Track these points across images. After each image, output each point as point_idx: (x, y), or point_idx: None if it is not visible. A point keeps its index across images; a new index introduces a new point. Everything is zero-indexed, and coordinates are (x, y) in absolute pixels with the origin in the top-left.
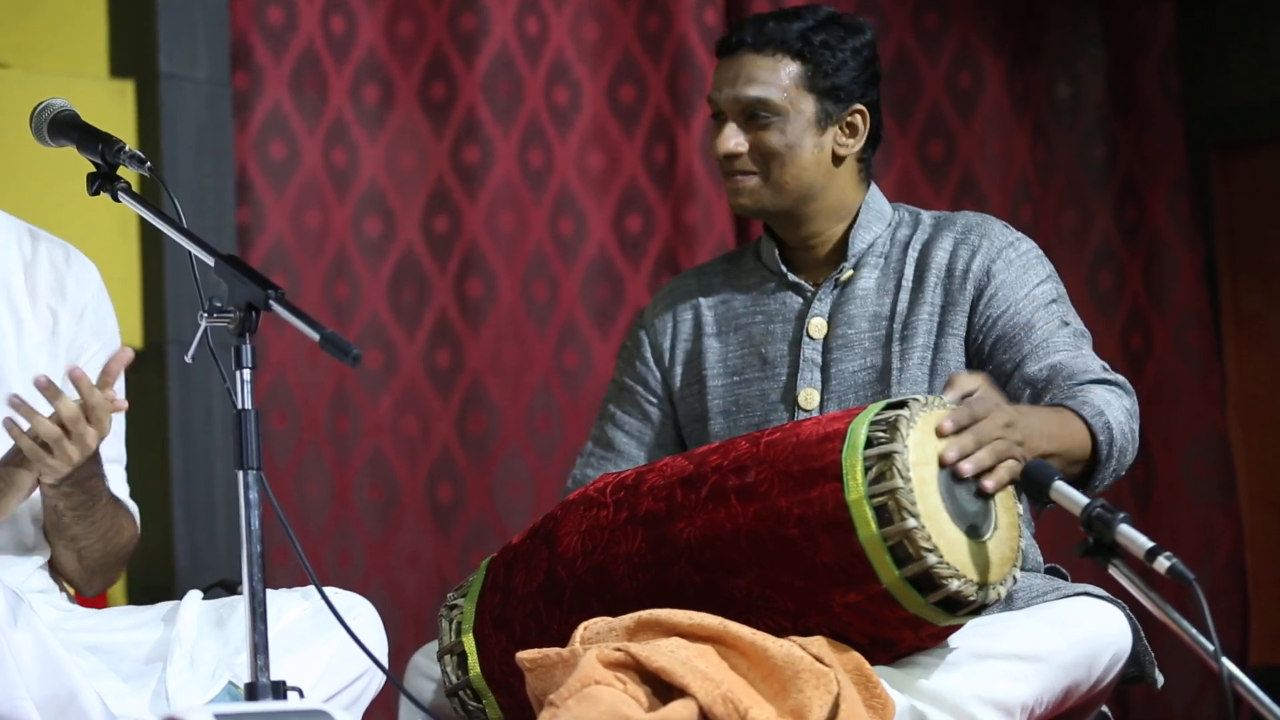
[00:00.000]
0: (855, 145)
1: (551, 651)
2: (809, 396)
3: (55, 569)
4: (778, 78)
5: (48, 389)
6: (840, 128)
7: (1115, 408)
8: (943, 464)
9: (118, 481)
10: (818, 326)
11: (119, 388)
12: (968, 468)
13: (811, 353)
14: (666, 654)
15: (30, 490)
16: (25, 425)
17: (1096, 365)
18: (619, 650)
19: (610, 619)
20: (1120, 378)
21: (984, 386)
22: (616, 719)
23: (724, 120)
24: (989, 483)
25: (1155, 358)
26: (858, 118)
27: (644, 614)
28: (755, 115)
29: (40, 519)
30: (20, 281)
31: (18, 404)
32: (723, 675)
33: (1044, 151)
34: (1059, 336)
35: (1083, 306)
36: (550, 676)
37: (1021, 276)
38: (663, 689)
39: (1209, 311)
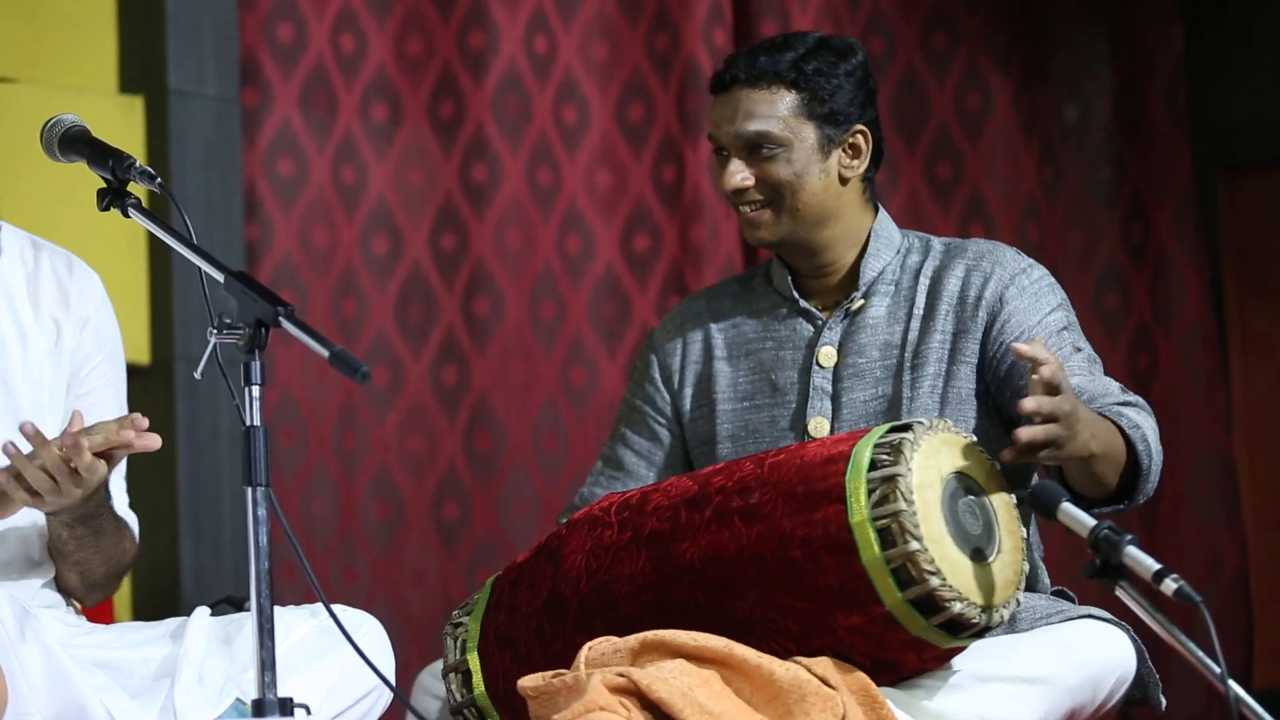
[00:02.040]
0: (860, 166)
1: (554, 679)
2: (819, 425)
3: (59, 584)
4: (776, 109)
5: (34, 437)
6: (843, 150)
7: (1147, 427)
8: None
9: (118, 493)
10: (828, 355)
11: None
12: (1024, 434)
13: (821, 381)
14: (667, 684)
15: (16, 506)
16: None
17: (1115, 388)
18: (622, 676)
19: (615, 639)
20: (1138, 398)
21: (1060, 370)
22: None
23: (727, 156)
24: (1024, 437)
25: (1161, 377)
26: (859, 138)
27: (649, 635)
28: (759, 148)
29: (46, 537)
30: (24, 292)
31: (10, 451)
32: (723, 706)
33: (1051, 172)
34: (1073, 362)
35: (1089, 326)
36: (554, 703)
37: (1034, 304)
38: (665, 716)
39: (1214, 331)
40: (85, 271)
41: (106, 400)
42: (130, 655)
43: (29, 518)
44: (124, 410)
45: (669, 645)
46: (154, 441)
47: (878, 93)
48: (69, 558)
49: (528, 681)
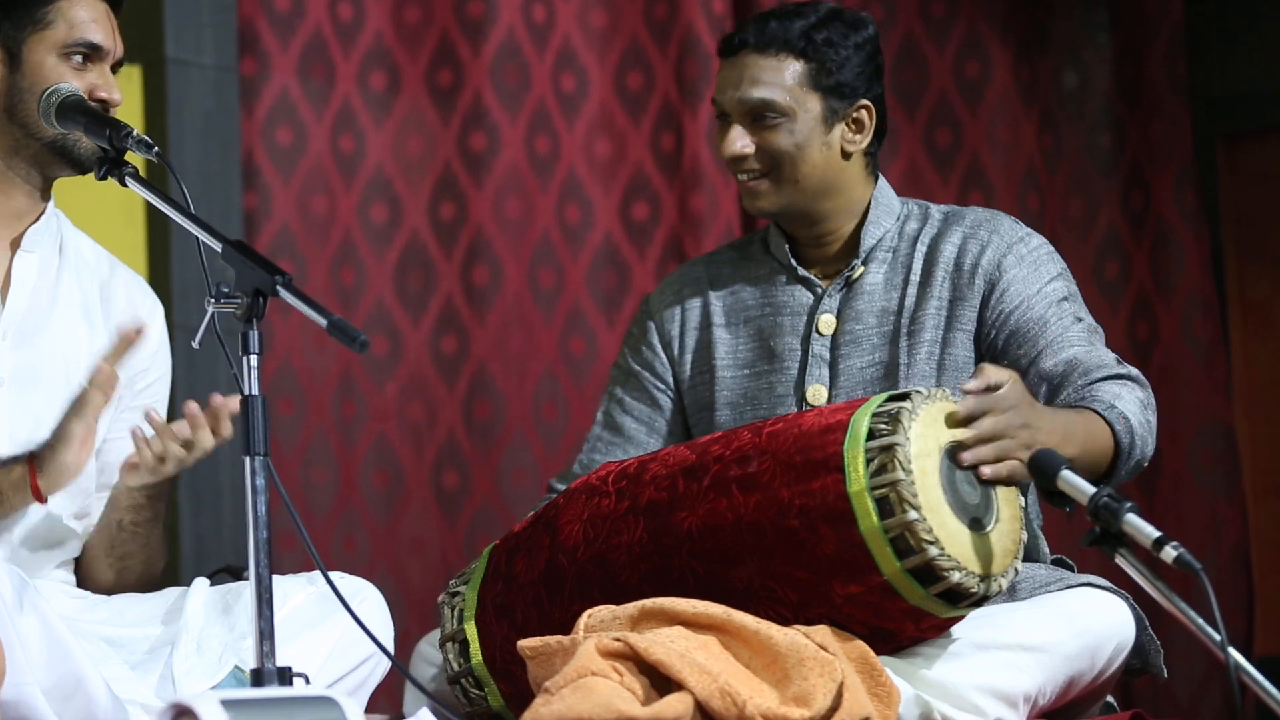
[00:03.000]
0: (863, 141)
1: (552, 640)
2: (817, 392)
3: (78, 571)
4: (782, 78)
5: (158, 425)
6: (847, 124)
7: (1128, 400)
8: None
9: None
10: (827, 323)
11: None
12: (966, 458)
13: (820, 349)
14: (664, 646)
15: (85, 445)
16: (150, 434)
17: (1110, 359)
18: (618, 640)
19: (614, 607)
20: (1134, 371)
21: (1013, 383)
22: (610, 711)
23: (729, 121)
24: (986, 471)
25: (1161, 346)
26: (864, 113)
27: (648, 602)
28: (762, 116)
29: (82, 530)
30: (96, 299)
31: (154, 420)
32: (721, 667)
33: (1051, 140)
34: (1072, 332)
35: (1089, 295)
36: (550, 665)
37: (1034, 272)
38: (661, 680)
39: (1215, 300)
40: (154, 297)
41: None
42: (134, 633)
43: (63, 522)
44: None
45: (668, 613)
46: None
47: (884, 70)
48: (116, 549)
49: (527, 642)
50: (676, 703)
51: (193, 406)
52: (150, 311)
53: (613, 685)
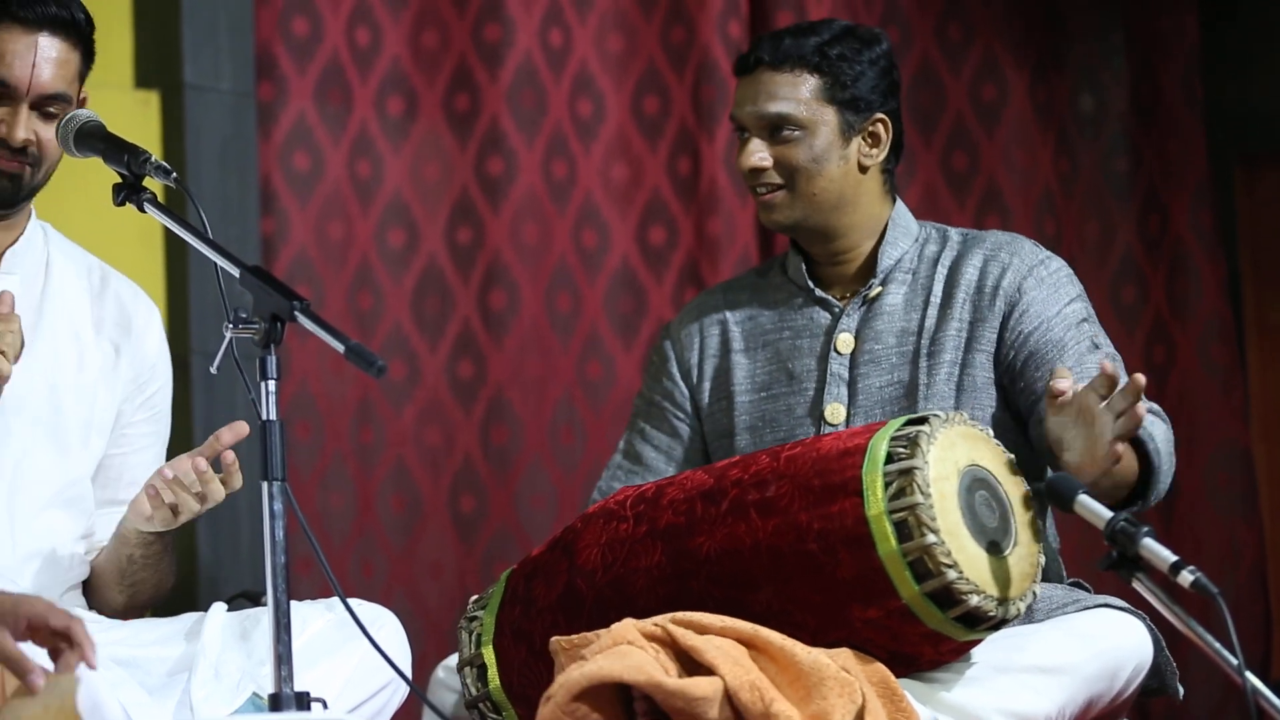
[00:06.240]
0: (879, 155)
1: (590, 634)
2: (835, 411)
3: (88, 593)
4: (798, 92)
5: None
6: (863, 138)
7: (1156, 432)
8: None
9: None
10: (845, 342)
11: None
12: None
13: (838, 368)
14: (700, 636)
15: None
16: (169, 496)
17: None
18: (656, 624)
19: (640, 621)
20: (1153, 405)
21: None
22: (641, 674)
23: (748, 137)
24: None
25: (1178, 369)
26: (879, 127)
27: (677, 615)
28: (779, 130)
29: (85, 550)
30: (86, 313)
31: (167, 477)
32: (749, 664)
33: (1067, 163)
34: (1090, 360)
35: (1105, 318)
36: (578, 656)
37: (1053, 295)
38: (692, 666)
39: (1232, 323)
40: (149, 303)
41: (160, 427)
42: (148, 653)
43: (69, 545)
44: (168, 430)
45: (696, 625)
46: (242, 429)
47: (901, 85)
48: (127, 579)
49: (560, 639)
50: (706, 684)
51: (202, 463)
52: (146, 320)
53: (648, 655)
